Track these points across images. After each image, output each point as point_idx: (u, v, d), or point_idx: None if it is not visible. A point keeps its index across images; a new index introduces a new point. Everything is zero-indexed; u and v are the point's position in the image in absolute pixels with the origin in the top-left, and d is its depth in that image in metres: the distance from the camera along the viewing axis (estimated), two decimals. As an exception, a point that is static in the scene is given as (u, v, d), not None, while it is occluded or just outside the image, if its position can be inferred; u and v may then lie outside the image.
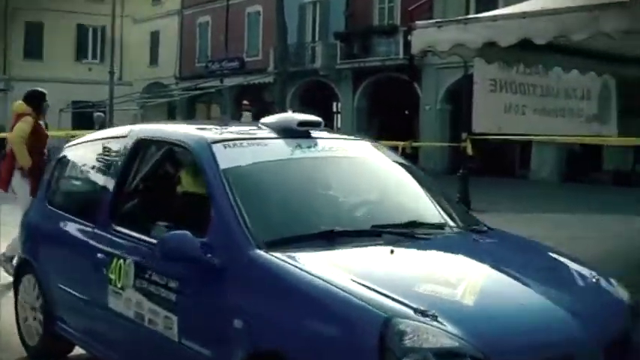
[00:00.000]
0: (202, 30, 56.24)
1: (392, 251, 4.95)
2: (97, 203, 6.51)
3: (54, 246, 7.24)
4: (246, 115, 25.89)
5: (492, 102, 12.43)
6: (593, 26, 7.96)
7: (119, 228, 6.06)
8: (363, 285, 4.38)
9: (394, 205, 6.09)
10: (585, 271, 5.34)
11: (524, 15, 8.64)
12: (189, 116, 53.57)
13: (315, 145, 5.94)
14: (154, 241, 5.34)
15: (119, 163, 6.46)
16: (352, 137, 7.16)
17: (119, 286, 5.82)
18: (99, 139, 7.21)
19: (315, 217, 5.43)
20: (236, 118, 33.78)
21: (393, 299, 4.24)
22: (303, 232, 5.15)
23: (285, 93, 40.63)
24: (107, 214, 6.28)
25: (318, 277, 4.49)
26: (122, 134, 6.72)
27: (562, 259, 5.60)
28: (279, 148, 5.82)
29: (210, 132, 6.05)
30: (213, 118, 49.33)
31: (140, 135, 6.46)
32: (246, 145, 5.70)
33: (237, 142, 5.71)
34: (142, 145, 6.36)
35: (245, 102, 30.03)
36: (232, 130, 6.36)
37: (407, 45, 10.21)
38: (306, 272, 4.57)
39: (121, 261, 5.82)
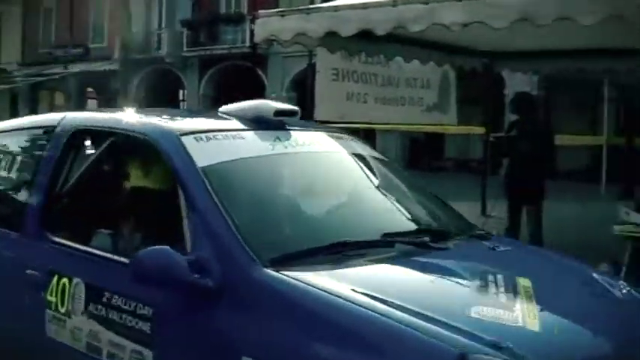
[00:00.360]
0: (47, 15, 54.86)
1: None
2: (22, 208, 5.25)
3: None
4: (91, 102, 25.43)
5: (335, 90, 12.62)
6: (430, 18, 8.20)
7: (56, 239, 4.86)
8: (411, 310, 3.53)
9: (395, 210, 5.24)
10: (611, 281, 4.78)
11: (364, 6, 8.76)
12: (33, 105, 52.18)
13: (296, 138, 5.06)
14: (116, 257, 4.43)
15: (50, 159, 5.18)
16: (327, 128, 6.23)
17: (62, 311, 4.60)
18: (17, 130, 5.92)
19: (320, 226, 4.71)
20: (82, 107, 33.20)
21: (455, 328, 3.43)
22: (311, 245, 4.25)
23: (129, 80, 40.13)
24: (38, 220, 5.04)
25: (352, 302, 3.58)
26: (51, 124, 5.42)
27: (584, 269, 4.99)
28: (258, 142, 4.87)
29: (173, 121, 5.06)
30: (57, 107, 48.13)
31: (77, 125, 5.24)
32: (221, 139, 4.67)
33: (209, 134, 4.66)
34: (80, 138, 5.16)
35: (89, 89, 29.55)
36: (197, 120, 5.55)
37: (253, 33, 10.18)
38: (335, 296, 3.62)
39: (65, 280, 4.62)
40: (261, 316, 3.74)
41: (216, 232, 4.06)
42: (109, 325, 4.28)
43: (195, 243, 4.07)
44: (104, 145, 5.02)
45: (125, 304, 4.20)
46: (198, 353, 3.89)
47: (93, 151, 5.07)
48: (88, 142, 5.10)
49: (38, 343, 4.71)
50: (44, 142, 5.33)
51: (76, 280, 4.53)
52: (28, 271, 4.79)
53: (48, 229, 4.89)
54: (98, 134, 5.09)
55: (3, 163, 5.62)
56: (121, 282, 4.21)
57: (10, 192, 5.61)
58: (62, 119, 5.34)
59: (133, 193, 5.08)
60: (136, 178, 5.13)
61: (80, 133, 5.13)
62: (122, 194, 5.12)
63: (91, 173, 5.05)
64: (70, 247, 4.74)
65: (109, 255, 4.50)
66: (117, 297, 4.26)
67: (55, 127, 5.27)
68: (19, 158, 5.58)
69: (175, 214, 4.23)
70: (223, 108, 5.24)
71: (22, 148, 5.63)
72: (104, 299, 4.32)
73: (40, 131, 5.54)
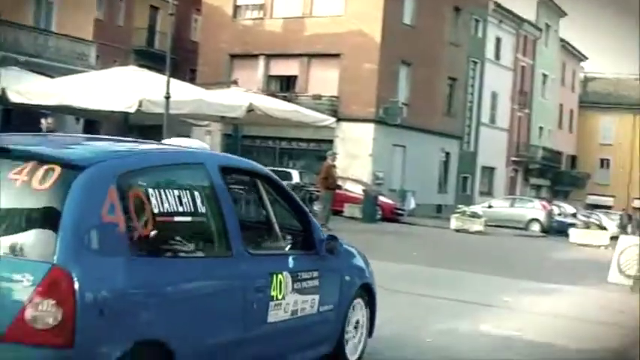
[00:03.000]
0: None
1: None
2: (224, 233, 6.28)
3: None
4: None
5: None
6: None
7: (253, 251, 6.63)
8: None
9: None
10: None
11: None
12: None
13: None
14: (295, 251, 7.47)
15: (220, 189, 6.38)
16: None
17: (280, 297, 6.77)
18: (164, 166, 6.20)
19: None
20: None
21: None
22: None
23: None
24: (240, 241, 6.36)
25: None
26: (194, 161, 6.51)
27: None
28: None
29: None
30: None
31: (219, 163, 6.63)
32: None
33: None
34: (224, 172, 6.59)
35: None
36: None
37: None
38: None
39: (280, 276, 6.83)
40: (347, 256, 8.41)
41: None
42: (301, 291, 7.13)
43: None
44: (241, 177, 7.69)
45: (307, 274, 7.27)
46: (331, 286, 7.72)
47: (234, 182, 7.27)
48: (231, 175, 6.98)
49: (262, 330, 6.58)
50: (202, 176, 6.32)
51: (285, 273, 6.89)
52: (257, 280, 6.52)
53: (247, 246, 6.51)
54: (235, 169, 7.25)
55: (170, 197, 5.82)
56: (304, 263, 7.29)
57: (202, 220, 6.21)
58: (204, 157, 6.68)
59: (270, 210, 7.52)
60: (263, 199, 7.50)
61: (224, 168, 6.61)
62: (266, 211, 7.53)
63: (244, 198, 8.07)
64: (266, 254, 7.20)
65: (289, 251, 7.40)
66: (304, 273, 7.21)
67: (202, 163, 6.45)
68: (184, 191, 5.99)
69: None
70: None
71: (180, 182, 6.08)
72: (298, 277, 7.10)
73: (190, 167, 6.41)
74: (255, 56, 46.27)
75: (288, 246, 7.58)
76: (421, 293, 14.05)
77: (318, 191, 30.34)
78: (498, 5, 61.36)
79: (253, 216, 8.15)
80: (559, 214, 48.76)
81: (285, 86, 46.06)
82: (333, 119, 35.79)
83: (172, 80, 22.84)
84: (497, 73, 62.76)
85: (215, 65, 46.28)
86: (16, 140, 5.81)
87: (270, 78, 46.73)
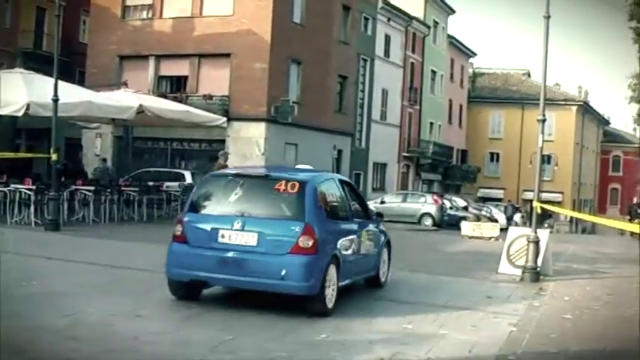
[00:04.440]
0: None
1: None
2: (347, 211, 14.08)
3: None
4: None
5: None
6: None
7: (355, 219, 14.18)
8: None
9: None
10: None
11: None
12: None
13: None
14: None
15: (350, 191, 14.89)
16: None
17: (366, 240, 14.37)
18: (326, 180, 13.92)
19: None
20: None
21: None
22: None
23: None
24: (352, 215, 14.16)
25: None
26: (331, 177, 14.71)
27: None
28: None
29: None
30: None
31: (339, 178, 15.13)
32: None
33: None
34: (340, 182, 14.48)
35: None
36: None
37: None
38: None
39: (364, 232, 14.35)
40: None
41: None
42: (369, 239, 14.62)
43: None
44: (329, 188, 13.61)
45: (371, 231, 14.90)
46: (378, 238, 15.38)
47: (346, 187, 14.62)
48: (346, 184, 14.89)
49: (360, 255, 13.95)
50: (336, 184, 14.12)
51: (365, 229, 14.41)
52: (358, 232, 13.99)
53: (354, 216, 14.29)
54: (341, 180, 14.79)
55: (331, 195, 13.60)
56: (369, 226, 14.87)
57: (342, 204, 14.05)
58: (333, 175, 15.38)
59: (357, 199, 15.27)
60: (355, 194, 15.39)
61: (339, 181, 14.58)
62: (357, 200, 15.20)
63: (349, 195, 14.51)
64: (359, 221, 14.35)
65: (363, 220, 14.62)
66: (370, 230, 14.79)
67: (333, 178, 14.42)
68: (338, 192, 14.01)
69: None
70: None
71: (332, 187, 13.82)
72: (368, 232, 14.65)
73: (333, 180, 14.30)
74: (145, 57, 45.83)
75: (362, 217, 14.77)
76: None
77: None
78: (387, 3, 62.05)
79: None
80: (451, 208, 49.63)
81: (176, 87, 45.67)
82: (225, 119, 35.94)
83: (61, 83, 22.68)
84: (387, 70, 63.49)
85: (105, 67, 45.65)
86: (264, 170, 14.17)
87: (160, 79, 46.25)
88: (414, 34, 69.40)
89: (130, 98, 28.41)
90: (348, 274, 13.10)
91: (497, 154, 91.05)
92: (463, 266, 21.11)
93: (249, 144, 42.84)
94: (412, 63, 69.56)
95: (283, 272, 11.48)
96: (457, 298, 14.74)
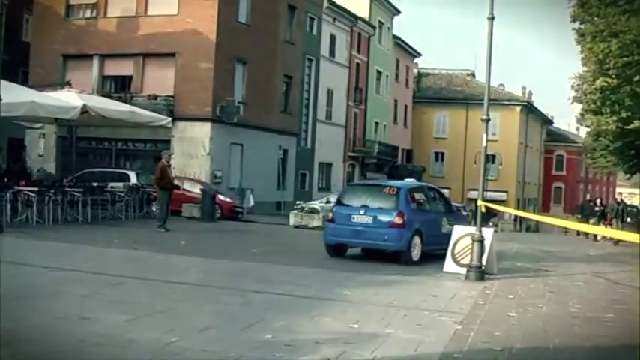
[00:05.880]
0: None
1: None
2: (431, 205, 23.98)
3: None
4: None
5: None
6: None
7: (436, 210, 23.97)
8: None
9: None
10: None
11: None
12: None
13: None
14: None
15: (429, 194, 24.57)
16: None
17: (445, 224, 22.74)
18: (416, 187, 25.31)
19: None
20: None
21: None
22: None
23: None
24: (435, 208, 24.12)
25: None
26: (399, 186, 22.85)
27: None
28: None
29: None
30: None
31: (408, 186, 23.64)
32: None
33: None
34: (409, 190, 23.03)
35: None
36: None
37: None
38: None
39: (444, 218, 23.45)
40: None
41: None
42: (449, 223, 22.30)
43: None
44: (418, 192, 24.19)
45: (449, 220, 23.08)
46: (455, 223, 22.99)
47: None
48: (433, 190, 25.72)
49: (441, 234, 21.77)
50: (424, 190, 25.03)
51: (445, 218, 23.49)
52: (442, 219, 23.44)
53: (437, 208, 24.58)
54: (429, 187, 26.01)
55: (418, 196, 23.79)
56: (449, 216, 24.04)
57: (430, 201, 24.22)
58: (425, 184, 28.90)
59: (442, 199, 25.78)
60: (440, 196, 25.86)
61: (427, 187, 25.85)
62: (441, 199, 25.50)
63: (434, 196, 24.90)
64: (441, 212, 24.30)
65: (445, 212, 24.45)
66: (448, 219, 23.30)
67: (424, 186, 26.28)
68: (424, 194, 24.20)
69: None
70: None
71: (421, 191, 24.63)
72: (448, 219, 23.23)
73: (422, 187, 26.01)
74: (89, 56, 45.51)
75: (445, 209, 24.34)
76: (257, 290, 14.36)
77: (155, 192, 30.21)
78: (332, 3, 62.15)
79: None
80: (396, 208, 49.79)
81: (121, 86, 45.44)
82: (170, 119, 35.74)
83: (3, 82, 22.35)
84: (333, 70, 63.64)
85: (48, 66, 45.29)
86: (378, 182, 29.20)
87: (105, 78, 45.97)
88: (360, 34, 69.63)
89: (73, 98, 28.11)
90: (431, 243, 21.69)
91: (442, 154, 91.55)
92: (408, 265, 21.22)
93: (194, 144, 42.76)
94: (357, 63, 69.77)
95: (386, 237, 21.12)
96: (403, 297, 14.76)
